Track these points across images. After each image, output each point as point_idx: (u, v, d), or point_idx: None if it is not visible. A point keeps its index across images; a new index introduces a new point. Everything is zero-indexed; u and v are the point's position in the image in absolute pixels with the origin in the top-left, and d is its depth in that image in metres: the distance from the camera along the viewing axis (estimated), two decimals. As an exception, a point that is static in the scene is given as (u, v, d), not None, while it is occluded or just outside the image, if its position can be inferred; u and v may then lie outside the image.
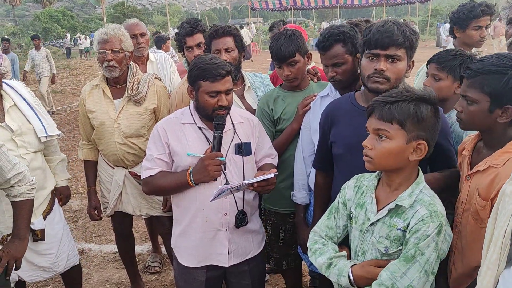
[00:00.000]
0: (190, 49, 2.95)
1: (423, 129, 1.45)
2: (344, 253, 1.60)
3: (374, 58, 1.75)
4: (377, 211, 1.52)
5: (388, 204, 1.50)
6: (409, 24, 1.83)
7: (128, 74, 2.75)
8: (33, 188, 2.16)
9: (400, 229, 1.46)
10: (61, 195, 2.76)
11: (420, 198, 1.46)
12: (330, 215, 1.69)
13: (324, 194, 2.13)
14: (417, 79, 3.10)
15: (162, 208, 2.92)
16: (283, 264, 2.70)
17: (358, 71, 1.93)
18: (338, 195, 1.71)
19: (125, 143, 2.74)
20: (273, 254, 2.69)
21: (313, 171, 2.34)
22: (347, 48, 2.13)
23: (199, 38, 2.93)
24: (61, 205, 2.75)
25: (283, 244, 2.66)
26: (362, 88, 1.92)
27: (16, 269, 2.11)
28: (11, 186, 2.09)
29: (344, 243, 1.69)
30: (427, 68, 2.27)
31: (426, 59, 2.32)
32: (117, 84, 2.76)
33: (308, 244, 1.69)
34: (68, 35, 33.02)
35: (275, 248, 2.67)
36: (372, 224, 1.52)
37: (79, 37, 29.43)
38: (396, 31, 1.69)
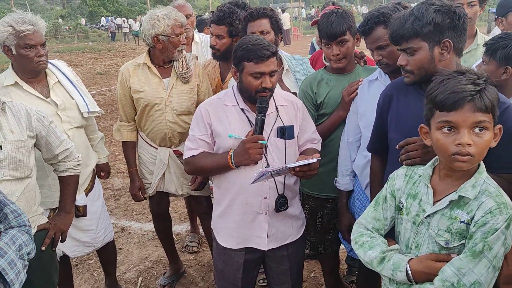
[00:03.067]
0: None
1: (497, 114, 1.35)
2: (397, 246, 1.52)
3: None
4: (434, 202, 1.43)
5: (447, 195, 1.39)
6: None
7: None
8: (79, 164, 2.23)
9: (463, 221, 1.35)
10: (102, 171, 2.87)
11: (485, 189, 1.35)
12: (377, 206, 1.60)
13: (382, 180, 1.99)
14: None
15: (189, 184, 2.88)
16: (319, 248, 2.67)
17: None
18: (385, 185, 1.62)
19: (176, 121, 2.76)
20: (310, 238, 2.66)
21: (358, 157, 2.28)
22: None
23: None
24: (104, 179, 2.89)
25: (320, 228, 2.62)
26: None
27: (62, 241, 2.20)
28: (58, 162, 2.16)
29: (388, 235, 1.60)
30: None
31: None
32: (165, 64, 2.78)
33: (353, 237, 1.61)
34: (113, 18, 33.84)
35: (311, 232, 2.63)
36: (428, 216, 1.43)
37: (123, 20, 30.05)
38: None
